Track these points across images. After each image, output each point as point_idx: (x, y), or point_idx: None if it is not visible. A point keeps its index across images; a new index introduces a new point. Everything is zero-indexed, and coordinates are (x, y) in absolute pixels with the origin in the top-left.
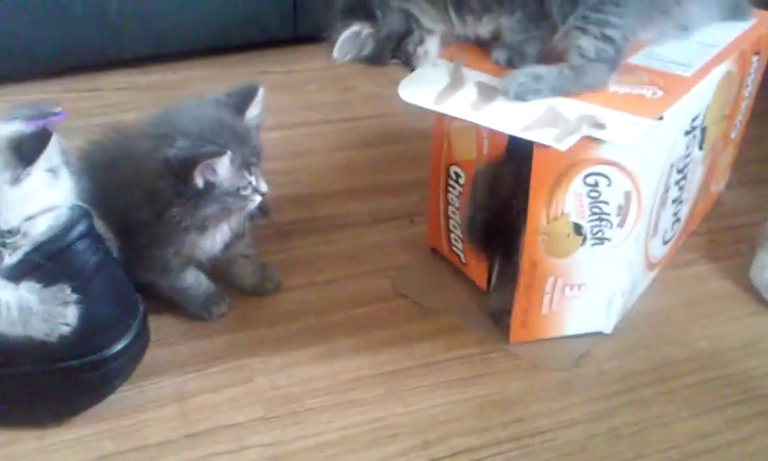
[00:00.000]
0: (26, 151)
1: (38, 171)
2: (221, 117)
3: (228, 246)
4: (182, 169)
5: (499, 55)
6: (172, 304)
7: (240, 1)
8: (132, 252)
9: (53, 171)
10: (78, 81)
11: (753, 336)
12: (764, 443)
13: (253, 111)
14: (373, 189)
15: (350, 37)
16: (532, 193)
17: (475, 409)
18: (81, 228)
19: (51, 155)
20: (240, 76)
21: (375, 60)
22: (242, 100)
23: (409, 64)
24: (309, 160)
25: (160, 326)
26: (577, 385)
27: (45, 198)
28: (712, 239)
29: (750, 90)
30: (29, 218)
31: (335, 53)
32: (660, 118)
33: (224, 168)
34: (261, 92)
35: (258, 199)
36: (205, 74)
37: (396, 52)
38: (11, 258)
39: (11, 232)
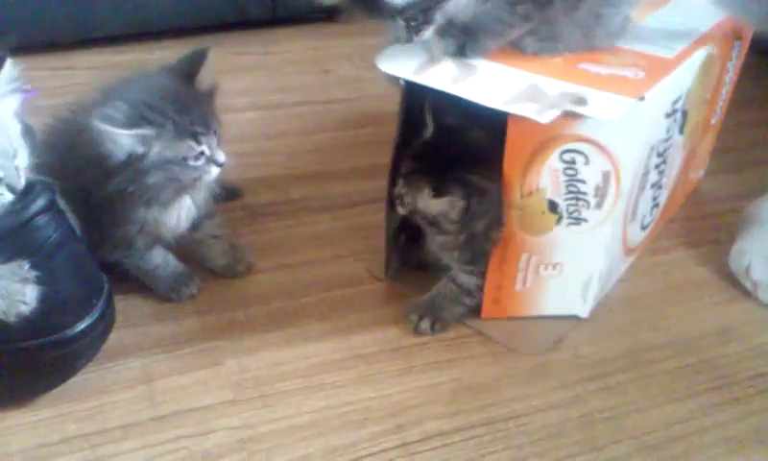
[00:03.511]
0: None
1: None
2: (165, 85)
3: (196, 225)
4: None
5: (448, 44)
6: (141, 285)
7: None
8: (96, 230)
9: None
10: (50, 59)
11: (729, 323)
12: (739, 429)
13: (205, 77)
14: (349, 172)
15: None
16: (506, 166)
17: (448, 393)
18: (41, 202)
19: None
20: (216, 57)
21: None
22: (191, 66)
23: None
24: (284, 142)
25: (128, 306)
26: (552, 370)
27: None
28: (691, 226)
29: (731, 76)
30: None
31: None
32: (642, 98)
33: (128, 139)
34: (210, 57)
35: (215, 170)
36: (178, 54)
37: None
38: None
39: None
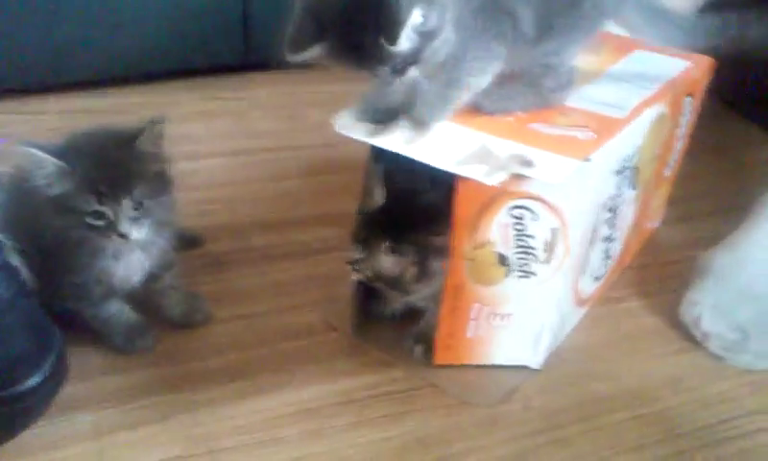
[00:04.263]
0: None
1: None
2: (95, 141)
3: (154, 277)
4: None
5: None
6: (95, 337)
7: (189, 27)
8: (50, 280)
9: None
10: (21, 103)
11: (679, 373)
12: None
13: (147, 146)
14: (312, 219)
15: (416, 25)
16: (456, 219)
17: (397, 448)
18: None
19: None
20: (186, 101)
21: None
22: (137, 131)
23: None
24: (249, 189)
25: (82, 359)
26: (502, 422)
27: None
28: (645, 275)
29: (683, 131)
30: None
31: (400, 43)
32: (587, 159)
33: (42, 172)
34: (160, 127)
35: (117, 239)
36: (151, 99)
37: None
38: None
39: None
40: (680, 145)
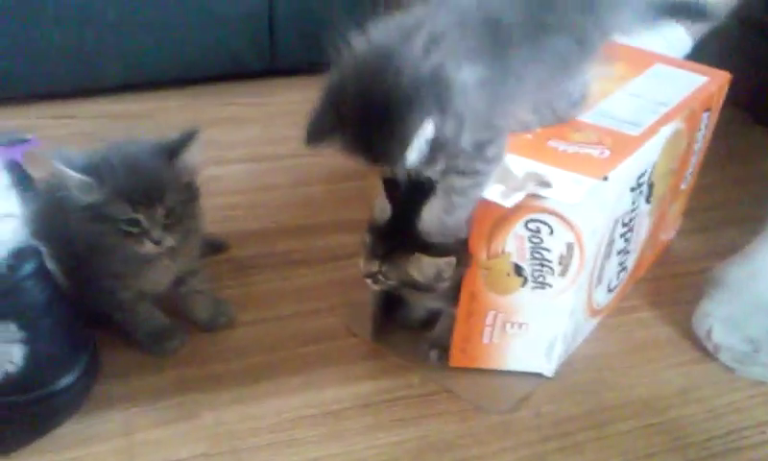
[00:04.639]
0: None
1: None
2: (131, 152)
3: (180, 281)
4: None
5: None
6: (126, 337)
7: (215, 33)
8: (83, 284)
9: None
10: (52, 108)
11: (689, 384)
12: None
13: (187, 159)
14: (334, 225)
15: (427, 135)
16: (473, 230)
17: (412, 451)
18: (29, 267)
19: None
20: (212, 106)
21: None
22: (175, 144)
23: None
24: (273, 195)
25: (113, 359)
26: (514, 428)
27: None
28: (659, 286)
29: (700, 145)
30: None
31: (410, 158)
32: (605, 178)
33: (81, 190)
34: (197, 139)
35: (149, 245)
36: (178, 104)
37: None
38: None
39: None
40: (696, 159)
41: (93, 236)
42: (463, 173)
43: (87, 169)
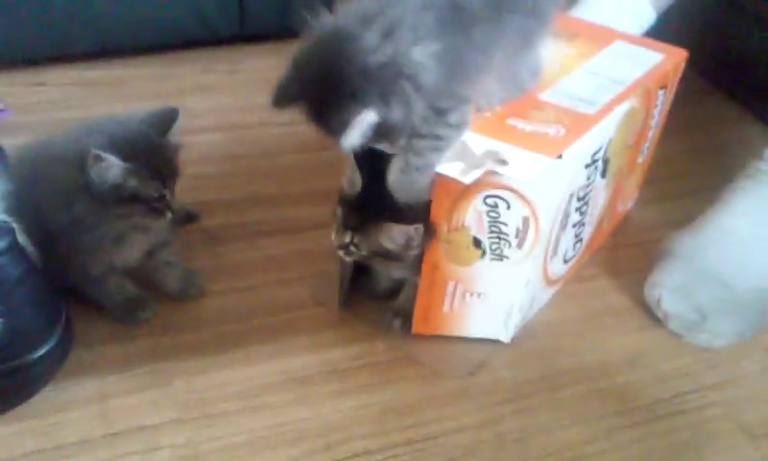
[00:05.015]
0: None
1: None
2: (140, 130)
3: (151, 254)
4: (82, 161)
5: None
6: (99, 307)
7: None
8: (55, 259)
9: None
10: (22, 75)
11: (639, 350)
12: (634, 451)
13: (173, 135)
14: (304, 196)
15: (367, 123)
16: (433, 204)
17: (376, 414)
18: (2, 243)
19: None
20: (184, 74)
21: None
22: (163, 122)
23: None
24: (244, 164)
25: (86, 328)
26: (471, 392)
27: None
28: (616, 255)
29: (656, 121)
30: None
31: (348, 141)
32: (559, 157)
33: (114, 172)
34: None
35: (168, 215)
36: (149, 72)
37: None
38: None
39: None
40: (652, 134)
41: (118, 217)
42: (422, 135)
43: (125, 156)
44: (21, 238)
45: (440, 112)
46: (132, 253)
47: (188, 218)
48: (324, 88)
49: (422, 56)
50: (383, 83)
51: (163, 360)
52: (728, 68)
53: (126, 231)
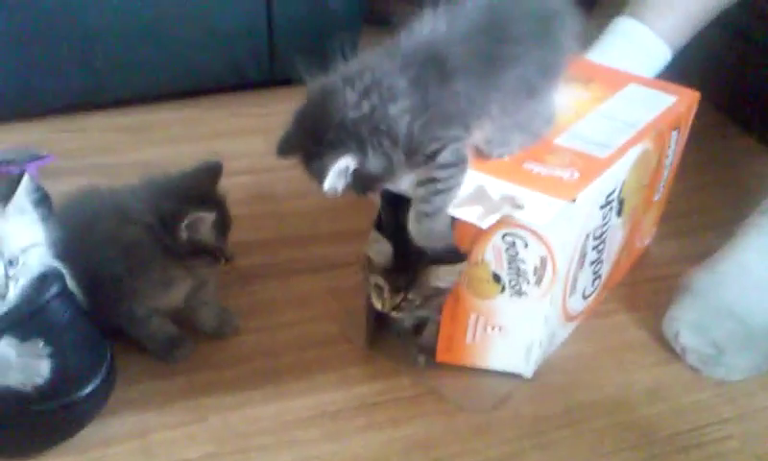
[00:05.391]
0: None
1: (16, 209)
2: (203, 183)
3: (190, 295)
4: (172, 222)
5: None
6: (139, 345)
7: (218, 46)
8: (103, 302)
9: (29, 211)
10: (63, 122)
11: (657, 383)
12: None
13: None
14: (334, 235)
15: (342, 170)
16: (456, 239)
17: (402, 449)
18: (54, 289)
19: (23, 196)
20: (217, 119)
21: (357, 192)
22: (211, 175)
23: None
24: (275, 206)
25: (128, 365)
26: (494, 427)
27: (31, 233)
28: (635, 290)
29: (671, 160)
30: (23, 250)
31: (327, 183)
32: (573, 200)
33: (206, 227)
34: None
35: (222, 263)
36: (184, 115)
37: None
38: (13, 290)
39: (11, 263)
40: (668, 172)
41: (132, 263)
42: (422, 182)
43: (211, 210)
44: (70, 283)
45: (429, 157)
46: (178, 296)
47: (226, 260)
48: (311, 139)
49: (397, 111)
50: (360, 134)
51: (200, 396)
52: (743, 102)
53: (176, 276)
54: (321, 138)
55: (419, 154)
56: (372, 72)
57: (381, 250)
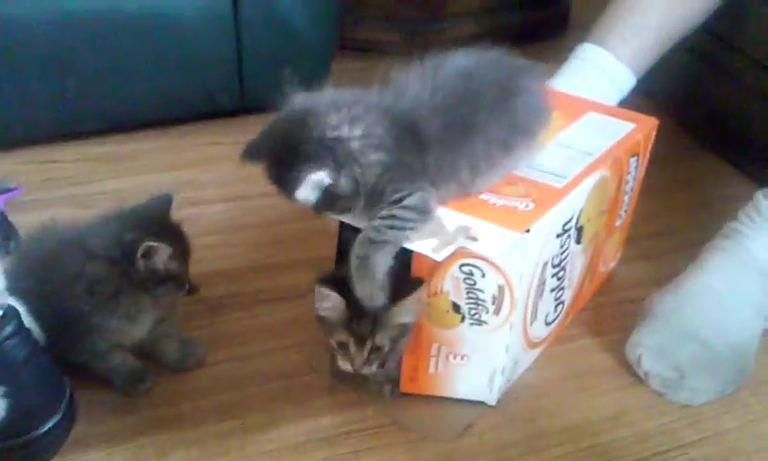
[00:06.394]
0: None
1: None
2: (159, 213)
3: (152, 328)
4: (132, 253)
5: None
6: (100, 381)
7: (187, 74)
8: (63, 338)
9: None
10: (33, 153)
11: (621, 408)
12: None
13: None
14: (302, 263)
15: (317, 182)
16: (414, 271)
17: None
18: (9, 328)
19: None
20: (189, 147)
21: (318, 209)
22: (163, 207)
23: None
24: (246, 234)
25: (90, 401)
26: (458, 455)
27: None
28: (600, 314)
29: (631, 186)
30: None
31: (301, 193)
32: (527, 231)
33: (162, 256)
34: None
35: (186, 292)
36: (157, 145)
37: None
38: None
39: None
40: (629, 198)
41: (98, 297)
42: (381, 217)
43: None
44: (27, 320)
45: (395, 201)
46: (142, 329)
47: (189, 290)
48: (284, 150)
49: (375, 159)
50: (337, 154)
51: (163, 431)
52: (710, 124)
53: (141, 310)
54: (296, 149)
55: (382, 202)
56: (357, 108)
57: (332, 305)
